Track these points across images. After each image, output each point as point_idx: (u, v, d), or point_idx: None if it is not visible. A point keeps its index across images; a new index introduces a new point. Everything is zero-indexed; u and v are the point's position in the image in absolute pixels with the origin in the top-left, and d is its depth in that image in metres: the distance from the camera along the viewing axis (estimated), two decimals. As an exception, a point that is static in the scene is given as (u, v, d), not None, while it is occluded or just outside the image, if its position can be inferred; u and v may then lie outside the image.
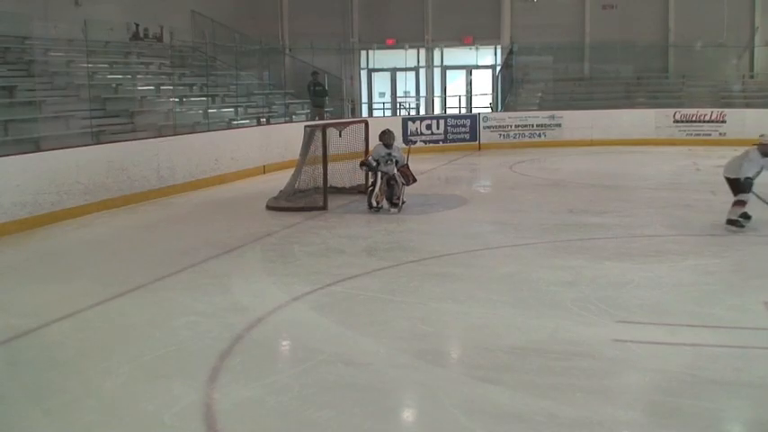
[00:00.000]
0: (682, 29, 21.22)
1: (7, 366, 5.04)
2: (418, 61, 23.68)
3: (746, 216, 8.52)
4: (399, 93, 24.08)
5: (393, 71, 24.05)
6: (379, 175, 10.19)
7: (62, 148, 10.50)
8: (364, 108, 23.91)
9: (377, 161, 10.22)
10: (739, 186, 8.61)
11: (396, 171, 10.20)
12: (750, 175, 8.60)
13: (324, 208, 10.43)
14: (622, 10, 21.61)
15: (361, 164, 10.43)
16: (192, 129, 14.56)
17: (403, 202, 10.27)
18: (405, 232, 9.18)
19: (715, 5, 20.45)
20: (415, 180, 10.50)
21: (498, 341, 5.14)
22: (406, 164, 10.46)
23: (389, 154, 10.22)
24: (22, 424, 4.18)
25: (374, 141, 10.89)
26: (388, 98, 24.24)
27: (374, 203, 10.19)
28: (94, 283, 6.84)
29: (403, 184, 10.25)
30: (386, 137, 10.31)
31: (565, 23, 21.87)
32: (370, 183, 10.44)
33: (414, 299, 6.21)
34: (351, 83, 23.53)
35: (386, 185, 10.20)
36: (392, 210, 10.11)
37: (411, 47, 23.36)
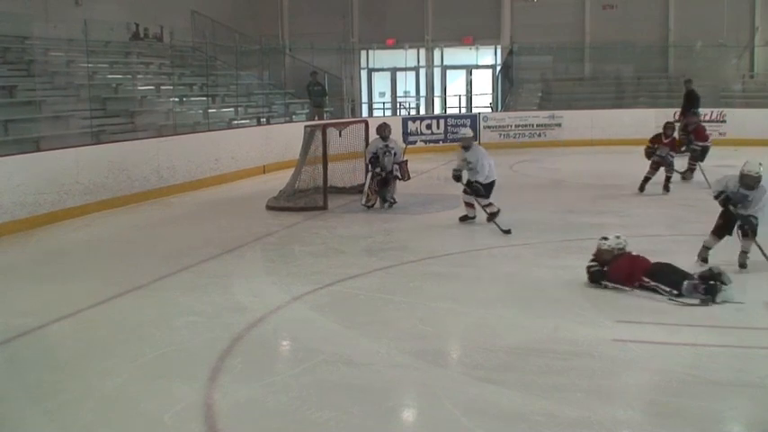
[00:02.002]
0: (682, 29, 21.21)
1: (7, 366, 5.04)
2: (418, 61, 23.68)
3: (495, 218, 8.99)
4: (399, 93, 24.09)
5: (393, 71, 24.05)
6: (371, 174, 10.28)
7: (62, 148, 10.50)
8: (364, 108, 23.91)
9: (375, 154, 10.31)
10: None
11: (394, 166, 10.30)
12: (456, 166, 9.35)
13: (324, 208, 10.44)
14: (622, 10, 21.59)
15: (371, 161, 10.49)
16: (193, 129, 14.54)
17: (395, 201, 10.43)
18: (405, 232, 9.19)
19: (715, 5, 20.44)
20: (409, 177, 10.63)
21: (498, 341, 5.14)
22: (406, 160, 10.54)
23: (387, 146, 10.35)
24: (22, 424, 4.18)
25: (374, 141, 10.92)
26: (388, 98, 24.23)
27: (364, 201, 10.32)
28: (94, 283, 6.84)
29: (398, 178, 10.36)
30: (383, 129, 10.48)
31: (565, 23, 21.86)
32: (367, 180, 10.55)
33: (414, 299, 6.21)
34: (351, 83, 23.52)
35: (379, 185, 10.29)
36: (383, 206, 10.21)
37: (411, 47, 23.35)
